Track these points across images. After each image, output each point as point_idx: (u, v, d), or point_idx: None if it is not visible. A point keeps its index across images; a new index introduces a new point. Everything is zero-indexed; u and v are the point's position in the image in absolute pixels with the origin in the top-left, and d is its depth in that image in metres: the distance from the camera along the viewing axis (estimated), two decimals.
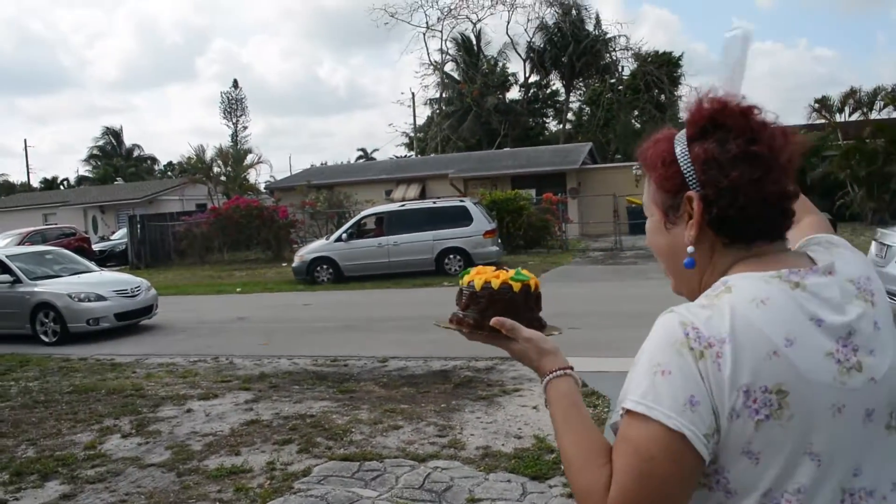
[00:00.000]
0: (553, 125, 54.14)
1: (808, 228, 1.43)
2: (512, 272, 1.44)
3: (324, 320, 12.78)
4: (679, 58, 46.21)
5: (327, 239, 19.45)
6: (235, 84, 61.67)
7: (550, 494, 4.58)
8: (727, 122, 1.19)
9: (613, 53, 46.72)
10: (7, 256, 13.25)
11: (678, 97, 45.76)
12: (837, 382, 1.09)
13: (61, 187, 63.12)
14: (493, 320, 1.36)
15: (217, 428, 6.47)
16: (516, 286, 1.40)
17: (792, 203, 1.21)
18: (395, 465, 5.23)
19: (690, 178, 1.20)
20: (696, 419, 1.06)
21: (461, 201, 19.30)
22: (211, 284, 19.89)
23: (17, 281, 12.56)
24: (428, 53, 61.55)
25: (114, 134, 65.09)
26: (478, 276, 1.43)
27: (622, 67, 47.14)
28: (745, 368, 1.06)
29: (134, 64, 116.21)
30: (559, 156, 32.18)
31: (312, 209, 27.00)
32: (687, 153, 1.21)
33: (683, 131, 1.24)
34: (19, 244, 22.97)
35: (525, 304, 1.41)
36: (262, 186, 39.05)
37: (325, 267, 18.36)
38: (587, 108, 49.84)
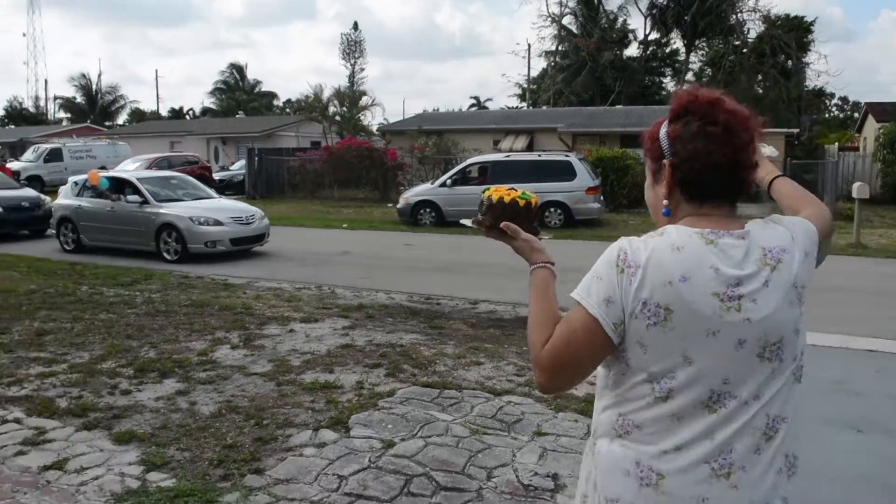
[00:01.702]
0: (670, 85, 52.55)
1: (806, 216, 1.79)
2: (520, 192, 1.93)
3: (422, 261, 13.28)
4: (811, 23, 43.74)
5: (432, 184, 19.92)
6: (356, 26, 62.26)
7: None
8: (694, 109, 1.61)
9: (740, 14, 44.62)
10: (137, 179, 14.36)
11: (806, 64, 43.53)
12: (717, 315, 1.52)
13: (187, 117, 66.15)
14: (503, 224, 1.86)
15: (315, 348, 7.03)
16: (521, 202, 1.90)
17: (744, 173, 1.62)
18: (471, 396, 5.63)
19: (666, 150, 1.64)
20: (609, 312, 1.55)
21: (566, 156, 19.31)
22: (320, 219, 20.75)
23: (145, 202, 13.59)
24: (547, 4, 60.25)
25: (238, 69, 67.48)
26: (495, 193, 1.92)
27: (748, 30, 44.92)
28: (647, 288, 1.52)
29: (258, 1, 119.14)
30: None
31: (421, 154, 27.50)
32: (665, 131, 1.65)
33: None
34: (147, 168, 24.46)
35: (527, 216, 1.90)
36: (374, 128, 39.84)
37: (428, 210, 18.88)
38: (707, 70, 47.99)
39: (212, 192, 15.99)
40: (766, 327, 1.53)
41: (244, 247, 13.74)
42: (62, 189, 19.80)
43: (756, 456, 1.55)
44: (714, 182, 1.60)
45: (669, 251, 1.53)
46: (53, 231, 14.95)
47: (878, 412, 5.52)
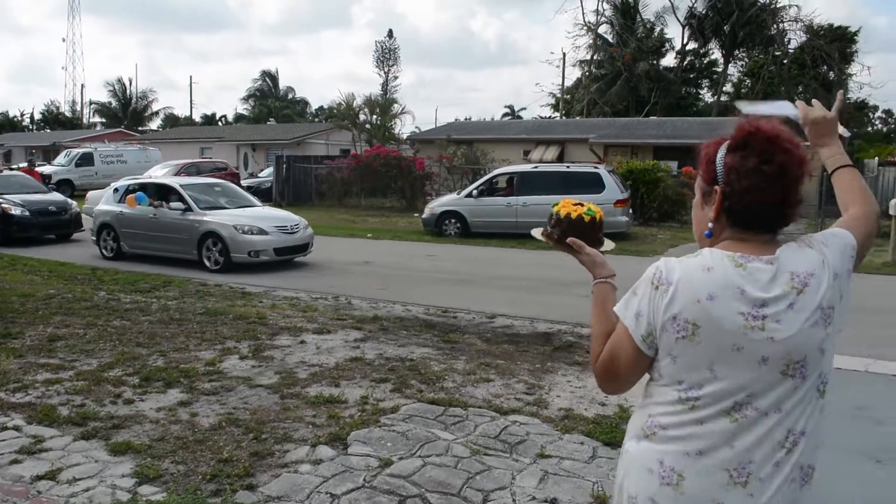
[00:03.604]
0: (708, 96, 51.96)
1: (846, 219, 1.89)
2: (585, 207, 2.11)
3: (444, 272, 13.17)
4: (855, 33, 42.99)
5: (458, 194, 19.80)
6: (390, 34, 62.73)
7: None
8: (753, 144, 1.70)
9: (781, 24, 43.95)
10: (181, 185, 14.11)
11: (848, 76, 42.73)
12: (741, 332, 1.64)
13: (220, 123, 66.92)
14: (569, 239, 2.04)
15: (324, 360, 6.95)
16: (587, 218, 2.07)
17: (790, 209, 1.72)
18: (477, 415, 5.49)
19: (720, 177, 1.74)
20: (639, 324, 1.73)
21: (595, 168, 19.08)
22: (345, 227, 20.74)
23: (189, 209, 13.34)
24: (583, 13, 60.07)
25: (270, 76, 68.33)
26: (563, 208, 2.10)
27: (789, 40, 44.29)
28: (677, 304, 1.67)
29: (292, 8, 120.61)
30: (707, 129, 30.86)
31: (449, 163, 27.42)
32: (723, 159, 1.74)
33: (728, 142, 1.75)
34: (175, 174, 24.66)
35: (592, 229, 2.07)
36: (404, 137, 39.89)
37: (453, 221, 18.78)
38: (746, 81, 47.34)
39: (255, 200, 15.66)
40: (790, 346, 1.64)
41: (288, 257, 13.46)
42: (90, 194, 20.09)
43: (775, 468, 1.64)
44: (760, 215, 1.71)
45: (700, 271, 1.68)
46: (93, 237, 14.69)
47: None
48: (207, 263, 12.88)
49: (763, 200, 1.69)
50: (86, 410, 5.43)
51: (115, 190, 14.95)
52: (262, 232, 12.96)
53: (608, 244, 2.13)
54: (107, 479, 4.32)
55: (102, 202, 15.09)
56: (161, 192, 14.08)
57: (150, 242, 13.80)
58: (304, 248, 13.72)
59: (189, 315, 8.80)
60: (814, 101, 2.02)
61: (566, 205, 2.11)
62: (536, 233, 2.19)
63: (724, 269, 1.67)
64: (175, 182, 14.90)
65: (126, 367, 6.57)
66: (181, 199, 13.58)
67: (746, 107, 2.09)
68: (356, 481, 4.31)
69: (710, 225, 1.77)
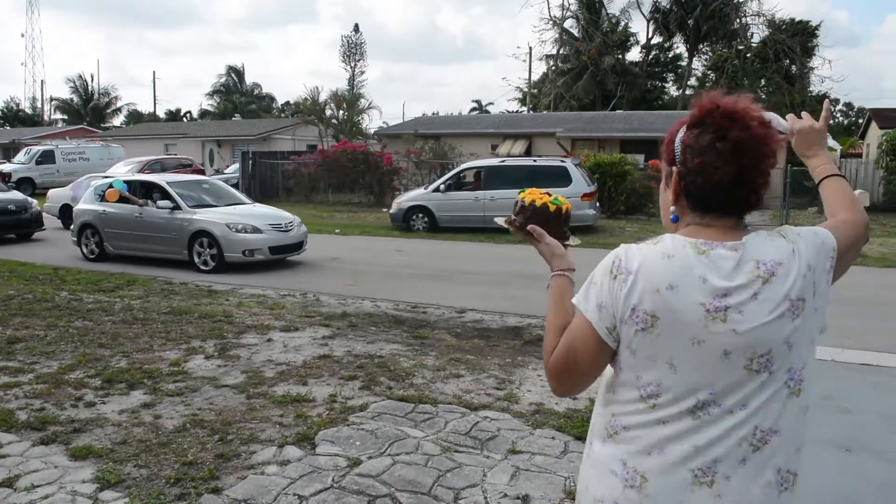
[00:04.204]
0: (673, 90, 52.43)
1: (831, 222, 1.78)
2: (552, 196, 2.01)
3: (412, 267, 13.08)
4: (816, 27, 43.61)
5: (426, 189, 19.73)
6: (356, 28, 62.30)
7: None
8: (710, 121, 1.60)
9: (744, 18, 44.44)
10: (168, 183, 13.51)
11: (810, 69, 43.34)
12: (701, 324, 1.53)
13: (184, 119, 66.01)
14: (529, 226, 1.94)
15: (291, 358, 6.84)
16: (552, 207, 1.98)
17: (748, 191, 1.61)
18: (447, 411, 5.43)
19: (677, 157, 1.66)
20: (602, 316, 1.60)
21: (562, 161, 19.07)
22: (312, 224, 20.41)
23: (177, 208, 12.81)
24: (549, 8, 60.17)
25: (236, 72, 67.54)
26: (528, 195, 2.02)
27: (751, 34, 44.80)
28: (636, 294, 1.56)
29: (258, 2, 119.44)
30: (673, 122, 30.92)
31: (417, 158, 27.31)
32: (680, 138, 1.66)
33: None
34: (139, 171, 24.22)
35: (556, 220, 1.97)
36: (372, 132, 39.68)
37: (420, 216, 18.69)
38: (710, 75, 47.81)
39: (244, 197, 15.15)
40: (753, 339, 1.53)
41: (282, 255, 13.05)
42: (52, 192, 19.65)
43: (742, 466, 1.54)
44: (716, 196, 1.61)
45: (660, 259, 1.57)
46: (74, 238, 14.02)
47: (868, 431, 5.32)
48: (199, 264, 12.37)
49: (715, 180, 1.58)
50: (45, 414, 5.28)
51: (95, 190, 14.32)
52: (256, 230, 12.50)
53: (574, 240, 2.03)
54: (67, 486, 4.19)
55: (83, 202, 14.40)
56: (146, 190, 13.49)
57: (136, 243, 13.19)
58: (298, 246, 13.30)
59: (153, 314, 8.63)
60: (803, 113, 1.94)
61: (532, 192, 2.03)
62: (500, 220, 2.11)
63: (685, 257, 1.56)
64: (161, 179, 14.24)
65: (88, 368, 6.41)
66: (168, 197, 13.01)
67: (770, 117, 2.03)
68: (324, 482, 4.23)
69: (672, 209, 1.69)
